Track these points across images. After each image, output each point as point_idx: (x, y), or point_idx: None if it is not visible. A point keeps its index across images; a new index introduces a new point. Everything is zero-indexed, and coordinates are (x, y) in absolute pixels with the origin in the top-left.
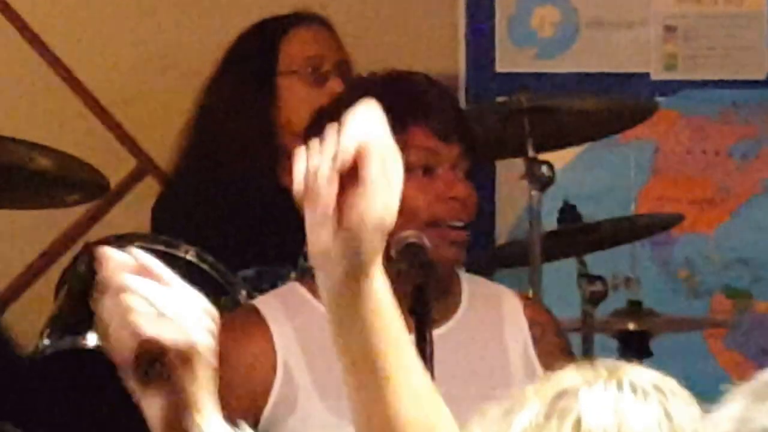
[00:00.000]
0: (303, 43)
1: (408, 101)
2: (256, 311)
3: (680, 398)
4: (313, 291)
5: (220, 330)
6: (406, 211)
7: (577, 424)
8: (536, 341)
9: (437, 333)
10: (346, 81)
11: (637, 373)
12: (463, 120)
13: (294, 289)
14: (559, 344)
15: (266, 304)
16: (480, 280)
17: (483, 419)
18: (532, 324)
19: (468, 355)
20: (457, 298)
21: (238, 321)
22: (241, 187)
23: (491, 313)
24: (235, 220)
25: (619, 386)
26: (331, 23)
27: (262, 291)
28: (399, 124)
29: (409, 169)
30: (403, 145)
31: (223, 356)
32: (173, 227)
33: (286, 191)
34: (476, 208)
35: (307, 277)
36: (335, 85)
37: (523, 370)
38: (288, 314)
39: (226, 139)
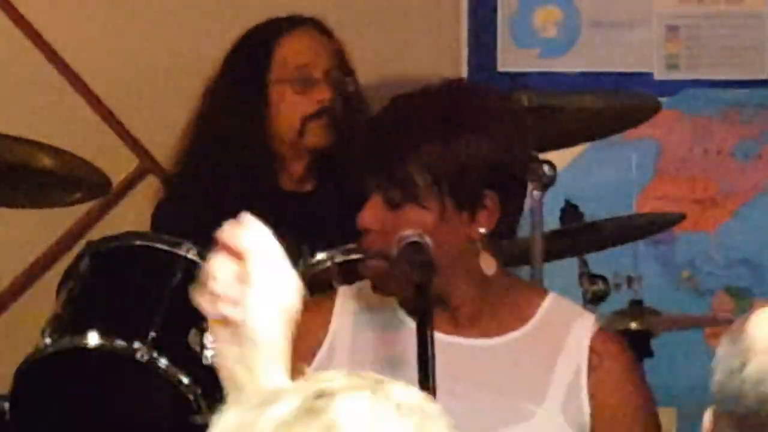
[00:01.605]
0: (294, 50)
1: (364, 140)
2: (333, 294)
3: (439, 424)
4: None
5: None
6: None
7: (328, 427)
8: (592, 369)
9: (489, 342)
10: (338, 89)
11: (404, 391)
12: (386, 151)
13: None
14: (618, 379)
15: (345, 291)
16: (565, 303)
17: (239, 406)
18: (593, 352)
19: (513, 368)
20: (530, 313)
21: (313, 298)
22: (240, 190)
23: (554, 337)
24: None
25: (382, 398)
26: (326, 26)
27: None
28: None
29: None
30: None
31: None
32: (173, 231)
33: (286, 194)
34: (364, 234)
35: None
36: (322, 93)
37: (565, 395)
38: (357, 304)
39: (222, 143)
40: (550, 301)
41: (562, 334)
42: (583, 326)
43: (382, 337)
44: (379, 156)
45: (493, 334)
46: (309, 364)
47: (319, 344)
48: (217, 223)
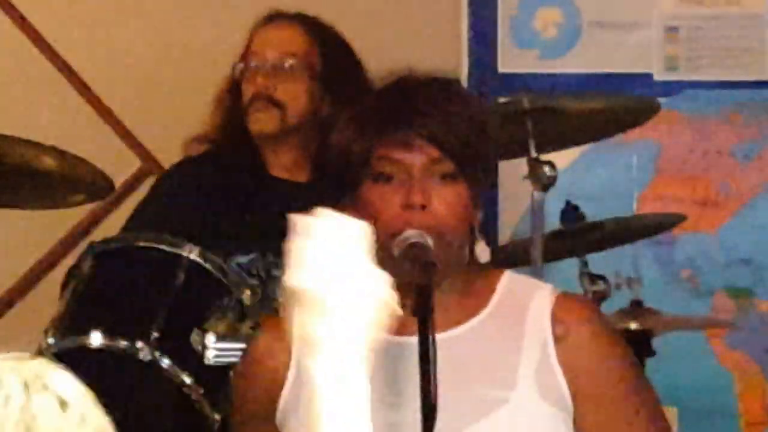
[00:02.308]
0: (255, 42)
1: (376, 112)
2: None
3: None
4: None
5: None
6: (376, 223)
7: None
8: (558, 340)
9: (452, 333)
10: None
11: (58, 381)
12: (446, 123)
13: None
14: (588, 346)
15: None
16: (521, 280)
17: None
18: (557, 323)
19: (478, 357)
20: (485, 299)
21: (270, 322)
22: (232, 183)
23: (515, 316)
24: (227, 207)
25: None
26: (306, 17)
27: (254, 277)
28: (367, 135)
29: (373, 179)
30: (369, 156)
31: (250, 356)
32: (165, 213)
33: (276, 180)
34: (448, 215)
35: None
36: (257, 81)
37: (535, 374)
38: None
39: (217, 135)
40: (506, 280)
41: (522, 311)
42: (543, 298)
43: None
44: (441, 128)
45: (453, 325)
46: (280, 390)
47: (284, 373)
48: (208, 207)
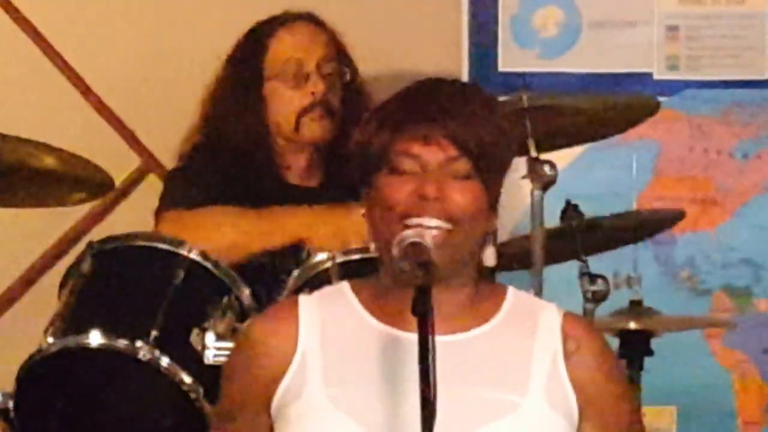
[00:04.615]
0: (285, 45)
1: (398, 109)
2: (295, 301)
3: None
4: (355, 289)
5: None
6: (385, 207)
7: None
8: (568, 356)
9: (465, 336)
10: (331, 80)
11: None
12: (466, 122)
13: (339, 286)
14: (596, 363)
15: (307, 296)
16: (527, 296)
17: None
18: (567, 338)
19: (489, 361)
20: (495, 308)
21: (274, 310)
22: (245, 184)
23: (526, 326)
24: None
25: None
26: (320, 19)
27: (264, 284)
28: (387, 129)
29: (389, 171)
30: (388, 150)
31: (251, 341)
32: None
33: (292, 187)
34: (464, 209)
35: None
36: (315, 86)
37: (546, 383)
38: (322, 305)
39: (224, 141)
40: (511, 294)
41: (531, 324)
42: (550, 314)
43: (354, 349)
44: (461, 129)
45: (464, 329)
46: (279, 381)
47: (288, 360)
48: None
